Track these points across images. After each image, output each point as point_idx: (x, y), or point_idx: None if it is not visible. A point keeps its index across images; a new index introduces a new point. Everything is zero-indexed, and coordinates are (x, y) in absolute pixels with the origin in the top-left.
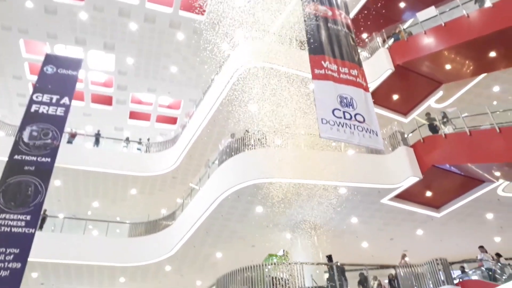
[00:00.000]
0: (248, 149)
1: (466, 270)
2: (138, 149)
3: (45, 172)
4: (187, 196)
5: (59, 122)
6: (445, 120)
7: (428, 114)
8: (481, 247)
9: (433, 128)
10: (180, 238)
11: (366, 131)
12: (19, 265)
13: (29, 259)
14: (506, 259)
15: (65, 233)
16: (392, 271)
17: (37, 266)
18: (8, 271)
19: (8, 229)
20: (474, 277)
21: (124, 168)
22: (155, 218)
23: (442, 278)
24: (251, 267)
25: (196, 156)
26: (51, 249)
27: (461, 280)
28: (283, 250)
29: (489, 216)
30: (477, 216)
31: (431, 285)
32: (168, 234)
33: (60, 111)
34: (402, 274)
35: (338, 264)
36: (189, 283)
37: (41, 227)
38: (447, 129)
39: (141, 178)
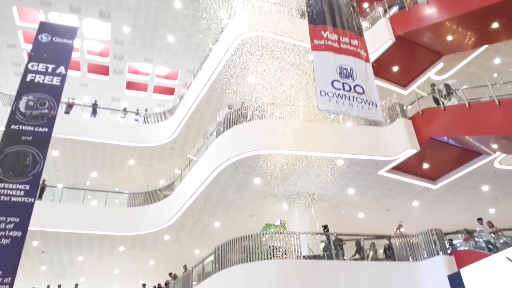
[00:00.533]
0: (246, 120)
1: (454, 242)
2: (136, 120)
3: (42, 142)
4: (185, 167)
5: (56, 92)
6: (450, 91)
7: (433, 85)
8: (479, 219)
9: (437, 100)
10: (178, 208)
11: (365, 103)
12: (19, 233)
13: (29, 228)
14: (500, 230)
15: (64, 203)
16: (387, 241)
17: (37, 235)
18: (9, 239)
19: (8, 198)
20: (465, 248)
21: (122, 139)
22: (154, 189)
23: (436, 248)
24: (248, 236)
25: (194, 127)
26: (51, 218)
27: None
28: (280, 220)
29: (485, 188)
30: (473, 188)
31: (425, 255)
32: (166, 204)
33: (56, 81)
34: (397, 244)
35: (335, 235)
36: (187, 252)
37: (40, 197)
38: (452, 102)
39: (139, 149)
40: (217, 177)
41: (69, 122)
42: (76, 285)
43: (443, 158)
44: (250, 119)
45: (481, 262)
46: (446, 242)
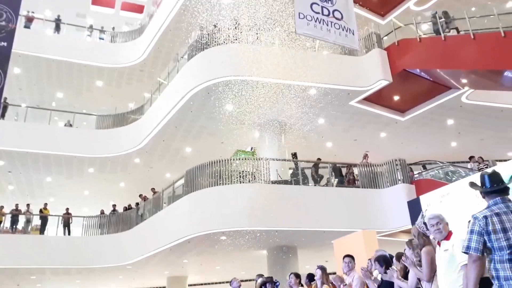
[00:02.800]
0: (218, 44)
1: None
2: (101, 38)
3: (2, 57)
4: (155, 91)
5: (13, 3)
6: (448, 20)
7: (434, 13)
8: (471, 157)
9: (438, 30)
10: (149, 132)
11: (343, 30)
12: None
13: None
14: (457, 162)
15: (29, 123)
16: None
17: (2, 154)
18: None
19: None
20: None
21: (89, 58)
22: (123, 111)
23: (399, 177)
24: (219, 161)
25: (165, 49)
26: (15, 138)
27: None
28: (251, 147)
29: (450, 122)
30: (439, 122)
31: (388, 184)
32: (136, 128)
33: None
34: (362, 172)
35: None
36: (158, 175)
37: (2, 116)
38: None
39: (107, 70)
40: (188, 102)
41: (32, 38)
42: (46, 204)
43: (413, 91)
44: (223, 43)
45: (438, 190)
46: (408, 171)
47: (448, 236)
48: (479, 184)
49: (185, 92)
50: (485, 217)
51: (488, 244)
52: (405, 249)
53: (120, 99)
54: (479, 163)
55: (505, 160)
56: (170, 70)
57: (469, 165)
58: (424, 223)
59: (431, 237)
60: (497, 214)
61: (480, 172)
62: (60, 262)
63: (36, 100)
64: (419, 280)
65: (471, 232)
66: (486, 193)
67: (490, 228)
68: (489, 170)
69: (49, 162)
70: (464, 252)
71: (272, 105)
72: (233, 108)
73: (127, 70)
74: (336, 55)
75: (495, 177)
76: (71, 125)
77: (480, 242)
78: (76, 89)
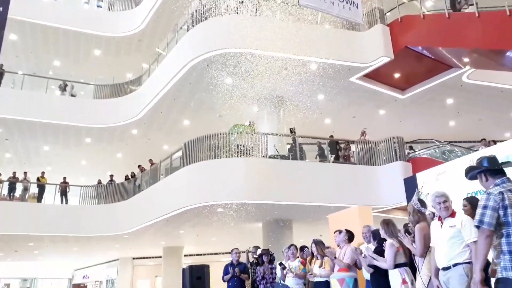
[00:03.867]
0: (219, 15)
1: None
2: (99, 6)
3: None
4: (153, 62)
5: None
6: None
7: None
8: (483, 140)
9: (454, 5)
10: (146, 103)
11: (347, 3)
12: None
13: None
14: (455, 142)
15: (26, 90)
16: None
17: None
18: None
19: None
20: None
21: (86, 26)
22: (121, 82)
23: (396, 155)
24: (217, 134)
25: (164, 19)
26: (12, 106)
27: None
28: (249, 121)
29: (449, 101)
30: (439, 101)
31: (385, 161)
32: (134, 98)
33: None
34: (359, 149)
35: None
36: (155, 147)
37: None
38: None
39: (105, 38)
40: (187, 74)
41: (28, 3)
42: (43, 173)
43: (414, 69)
44: (223, 14)
45: (435, 168)
46: (406, 150)
47: (453, 213)
48: (483, 165)
49: (183, 64)
50: (501, 192)
51: (503, 219)
52: (380, 228)
53: (118, 69)
54: (487, 146)
55: (501, 141)
56: (169, 41)
57: (480, 148)
58: (419, 200)
59: (426, 213)
60: (510, 191)
61: (482, 155)
62: (57, 230)
63: (33, 68)
64: (413, 256)
65: (485, 207)
66: (492, 173)
67: (507, 202)
68: (488, 154)
69: (46, 131)
70: (476, 226)
71: (272, 79)
72: (232, 81)
73: (125, 39)
74: (338, 30)
75: (496, 159)
76: (65, 88)
77: (494, 217)
78: (73, 58)
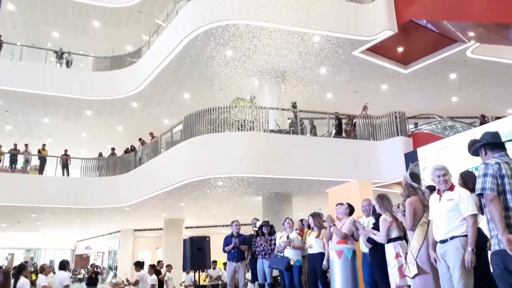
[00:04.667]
0: None
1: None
2: None
3: None
4: (153, 33)
5: None
6: None
7: None
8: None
9: None
10: (146, 76)
11: None
12: None
13: None
14: (457, 117)
15: (25, 62)
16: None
17: None
18: None
19: None
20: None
21: None
22: (121, 54)
23: (397, 130)
24: (218, 108)
25: None
26: (11, 77)
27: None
28: (250, 95)
29: (452, 76)
30: (442, 76)
31: (386, 136)
32: (134, 71)
33: None
34: (361, 124)
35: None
36: (156, 120)
37: None
38: None
39: (104, 9)
40: (187, 46)
41: None
42: (44, 145)
43: (418, 43)
44: None
45: (436, 143)
46: (408, 125)
47: (451, 187)
48: (485, 139)
49: (183, 36)
50: (497, 163)
51: (500, 188)
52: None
53: (118, 41)
54: (483, 122)
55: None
56: (169, 12)
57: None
58: (412, 175)
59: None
60: (506, 163)
61: (485, 130)
62: (59, 202)
63: (31, 39)
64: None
65: (485, 175)
66: (491, 147)
67: (504, 172)
68: (492, 129)
69: (46, 103)
70: (479, 194)
71: (274, 52)
72: (233, 54)
73: (124, 10)
74: (341, 2)
75: (499, 135)
76: (62, 56)
77: (494, 183)
78: (72, 29)
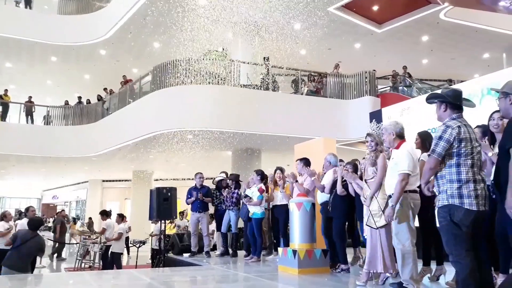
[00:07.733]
0: None
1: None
2: None
3: None
4: None
5: None
6: None
7: None
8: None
9: None
10: (115, 22)
11: None
12: None
13: None
14: (426, 80)
15: None
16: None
17: None
18: None
19: None
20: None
21: None
22: None
23: (366, 89)
24: (189, 59)
25: None
26: None
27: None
28: (223, 48)
29: (425, 38)
30: (414, 37)
31: (355, 95)
32: (102, 16)
33: None
34: (331, 82)
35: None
36: (124, 69)
37: None
38: None
39: None
40: None
41: None
42: (6, 91)
43: (393, 2)
44: None
45: (400, 103)
46: (376, 85)
47: (398, 145)
48: (448, 96)
49: None
50: (459, 126)
51: (455, 150)
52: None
53: None
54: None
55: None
56: None
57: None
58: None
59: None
60: (465, 126)
61: (450, 86)
62: (23, 150)
63: None
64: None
65: (440, 138)
66: (452, 106)
67: (462, 136)
68: (456, 87)
69: (7, 46)
70: (428, 154)
71: (249, 2)
72: (206, 2)
73: None
74: None
75: (461, 95)
76: None
77: (445, 149)
78: None
